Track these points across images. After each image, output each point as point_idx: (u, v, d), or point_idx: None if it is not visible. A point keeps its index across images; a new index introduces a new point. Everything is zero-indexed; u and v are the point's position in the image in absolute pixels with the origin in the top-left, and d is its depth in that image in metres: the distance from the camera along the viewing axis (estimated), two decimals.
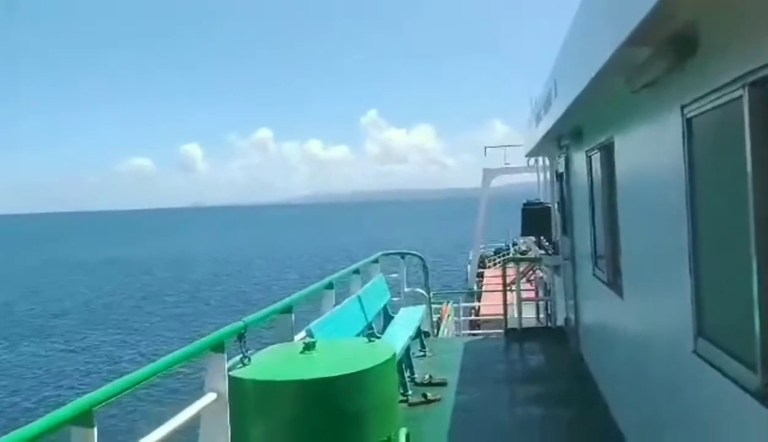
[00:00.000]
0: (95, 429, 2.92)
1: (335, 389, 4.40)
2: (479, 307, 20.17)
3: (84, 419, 2.88)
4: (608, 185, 5.88)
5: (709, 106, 3.00)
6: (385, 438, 4.58)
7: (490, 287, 24.04)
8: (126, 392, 3.26)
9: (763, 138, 2.49)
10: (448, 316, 14.35)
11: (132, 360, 25.93)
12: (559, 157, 9.15)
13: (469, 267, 32.68)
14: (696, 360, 3.31)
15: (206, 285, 50.73)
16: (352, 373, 4.46)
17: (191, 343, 4.25)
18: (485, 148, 28.61)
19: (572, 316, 8.68)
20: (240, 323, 4.69)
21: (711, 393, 3.16)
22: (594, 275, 6.74)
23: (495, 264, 35.31)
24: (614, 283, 5.79)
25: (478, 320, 17.71)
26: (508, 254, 37.74)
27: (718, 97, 2.87)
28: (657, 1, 2.45)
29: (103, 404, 3.01)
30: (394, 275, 10.30)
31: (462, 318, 15.55)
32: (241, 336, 4.66)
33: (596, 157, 6.26)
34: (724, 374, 2.94)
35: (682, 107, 3.35)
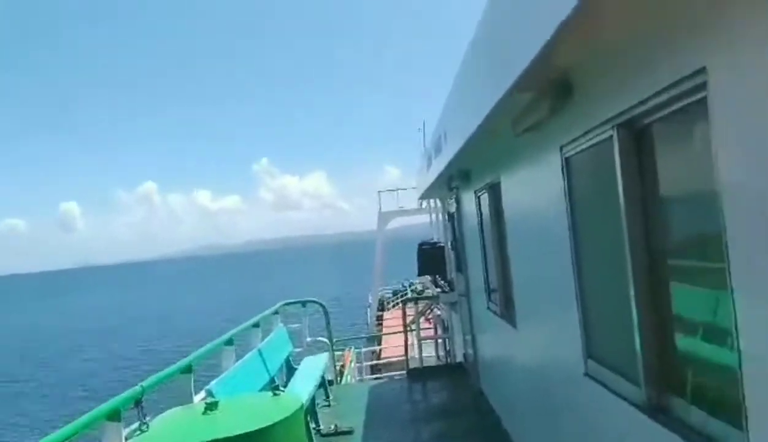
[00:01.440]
0: None
1: None
2: (380, 350, 20.18)
3: None
4: (497, 222, 6.18)
5: (584, 146, 3.27)
6: None
7: (390, 329, 24.22)
8: None
9: (632, 173, 2.75)
10: (351, 362, 14.26)
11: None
12: (450, 198, 9.50)
13: (369, 310, 32.72)
14: (587, 381, 3.52)
15: (95, 349, 47.41)
16: (258, 429, 4.34)
17: (84, 413, 3.97)
18: (379, 192, 29.17)
19: (471, 351, 8.91)
20: (137, 388, 4.45)
21: (603, 410, 3.36)
22: (488, 308, 7.00)
23: (394, 306, 35.65)
24: (507, 314, 6.04)
25: (380, 363, 17.72)
26: (406, 294, 38.28)
27: (592, 138, 3.14)
28: (537, 52, 2.65)
29: None
30: (295, 325, 10.15)
31: (365, 363, 15.50)
32: (138, 402, 4.42)
33: (484, 196, 6.57)
34: (613, 392, 3.15)
35: (561, 147, 3.62)
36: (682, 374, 2.54)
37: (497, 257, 6.21)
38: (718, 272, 2.02)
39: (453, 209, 9.33)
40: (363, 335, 21.17)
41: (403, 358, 15.35)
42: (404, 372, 10.86)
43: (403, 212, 28.27)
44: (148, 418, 4.45)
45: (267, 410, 4.73)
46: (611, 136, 2.87)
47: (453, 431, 7.47)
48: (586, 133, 3.20)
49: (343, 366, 13.79)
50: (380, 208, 28.59)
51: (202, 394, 5.69)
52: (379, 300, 33.43)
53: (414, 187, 27.37)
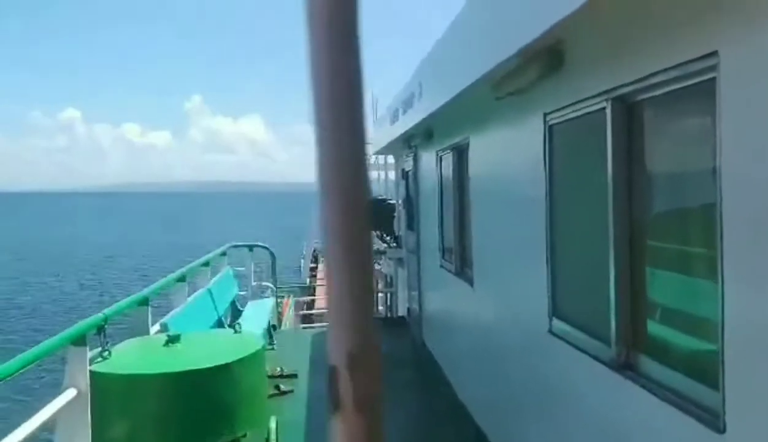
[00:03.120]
0: None
1: (205, 381, 4.35)
2: (313, 301, 20.38)
3: None
4: (459, 183, 6.35)
5: (572, 115, 3.43)
6: (257, 428, 4.61)
7: (324, 281, 24.37)
8: (3, 380, 3.00)
9: (623, 144, 2.93)
10: (289, 309, 14.40)
11: None
12: (407, 156, 9.62)
13: (302, 261, 32.79)
14: (551, 338, 3.76)
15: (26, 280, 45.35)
16: (222, 364, 4.43)
17: (50, 337, 3.94)
18: None
19: (415, 306, 9.18)
20: (100, 315, 4.43)
21: (566, 366, 3.61)
22: (441, 266, 7.22)
23: None
24: (463, 273, 6.28)
25: (313, 313, 17.96)
26: None
27: (582, 108, 3.29)
28: (548, 27, 2.76)
29: None
30: (239, 268, 10.16)
31: (299, 312, 15.67)
32: (101, 329, 4.41)
33: (448, 156, 6.72)
34: (579, 349, 3.38)
35: (545, 114, 3.77)
36: (654, 334, 2.78)
37: (457, 216, 6.40)
38: (704, 240, 2.22)
39: (409, 167, 9.46)
40: (300, 284, 21.30)
41: None
42: None
43: None
44: (108, 345, 4.46)
45: (229, 347, 4.81)
46: (604, 108, 3.03)
47: (396, 380, 7.74)
48: (575, 103, 3.35)
49: (281, 313, 13.91)
50: None
51: (157, 327, 5.71)
52: (314, 252, 33.56)
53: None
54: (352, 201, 0.53)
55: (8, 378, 3.29)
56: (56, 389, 4.03)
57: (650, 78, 2.60)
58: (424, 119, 5.99)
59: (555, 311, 3.76)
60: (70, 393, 3.92)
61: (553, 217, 3.76)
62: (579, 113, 3.34)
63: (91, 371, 4.10)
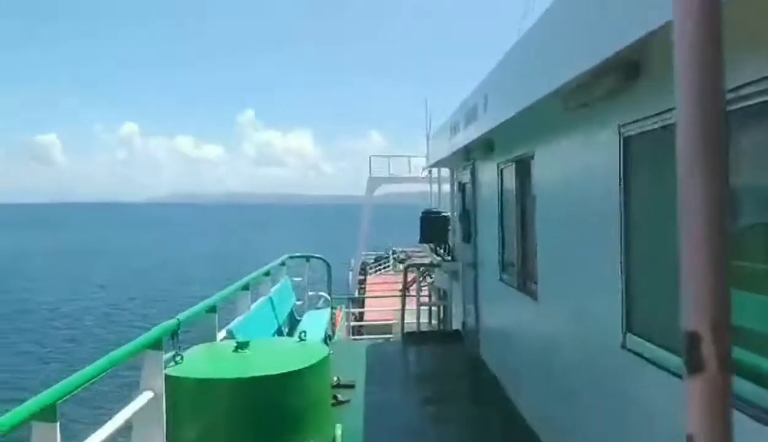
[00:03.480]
0: (58, 424, 2.79)
1: (274, 388, 4.43)
2: (362, 313, 20.46)
3: (48, 414, 2.74)
4: (522, 196, 6.31)
5: (650, 127, 3.38)
6: (322, 435, 4.66)
7: (373, 293, 24.54)
8: (85, 384, 3.13)
9: None
10: (342, 320, 14.51)
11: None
12: (464, 169, 9.61)
13: (350, 274, 32.97)
14: (625, 354, 3.69)
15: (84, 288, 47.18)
16: (290, 371, 4.50)
17: (129, 342, 4.08)
18: (370, 157, 29.17)
19: (471, 319, 9.13)
20: (174, 321, 4.56)
21: (642, 383, 3.53)
22: (501, 279, 7.17)
23: (376, 271, 35.96)
24: (525, 287, 6.21)
25: (362, 325, 18.03)
26: (388, 261, 38.62)
27: (661, 120, 3.24)
28: (631, 42, 2.74)
29: (66, 397, 2.88)
30: (296, 279, 10.31)
31: (350, 323, 15.76)
32: (174, 334, 4.54)
33: (509, 169, 6.68)
34: (657, 365, 3.31)
35: (620, 126, 3.73)
36: (741, 354, 2.70)
37: (519, 230, 6.35)
38: None
39: (466, 180, 9.44)
40: (349, 296, 21.40)
41: (388, 322, 15.60)
42: (390, 336, 11.13)
43: (393, 179, 28.34)
44: (180, 350, 4.59)
45: (296, 355, 4.89)
46: None
47: (454, 392, 7.71)
48: (654, 115, 3.30)
49: (334, 324, 14.03)
50: (370, 173, 28.62)
51: (223, 333, 5.86)
52: (361, 264, 33.69)
53: (408, 156, 27.41)
54: (712, 191, 0.64)
55: (94, 380, 3.42)
56: (127, 391, 4.18)
57: (739, 89, 2.56)
58: (487, 132, 5.99)
59: (630, 326, 3.69)
60: (146, 396, 4.05)
61: (629, 230, 3.70)
62: (657, 125, 3.29)
63: (166, 375, 4.22)
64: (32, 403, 2.73)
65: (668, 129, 3.19)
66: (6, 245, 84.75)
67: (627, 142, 3.69)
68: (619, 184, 3.75)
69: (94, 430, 3.39)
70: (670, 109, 3.11)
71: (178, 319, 4.64)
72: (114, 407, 3.89)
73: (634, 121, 3.56)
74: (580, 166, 4.55)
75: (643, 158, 3.58)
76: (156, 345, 4.21)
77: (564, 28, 3.76)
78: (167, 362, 4.42)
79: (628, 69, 3.44)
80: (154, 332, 4.24)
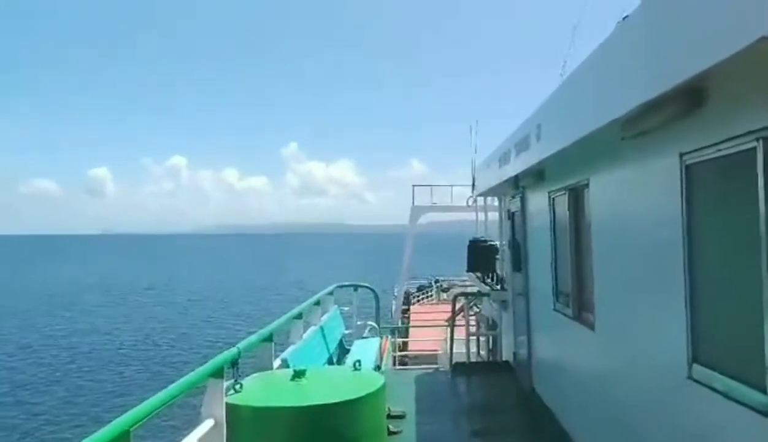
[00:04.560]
0: None
1: (331, 416, 4.46)
2: (406, 343, 20.34)
3: (122, 440, 2.83)
4: (576, 225, 6.25)
5: (714, 155, 3.33)
6: None
7: (417, 322, 24.42)
8: (155, 411, 3.22)
9: None
10: (388, 350, 14.46)
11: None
12: (512, 197, 9.57)
13: (394, 303, 32.89)
14: (691, 385, 3.59)
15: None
16: (347, 400, 4.53)
17: (191, 371, 4.18)
18: (413, 186, 29.27)
19: (523, 350, 9.00)
20: (234, 350, 4.66)
21: (710, 415, 3.43)
22: (555, 309, 7.07)
23: (419, 300, 35.80)
24: (580, 317, 6.12)
25: (407, 355, 17.90)
26: (431, 290, 38.42)
27: (725, 148, 3.20)
28: (699, 72, 2.72)
29: (139, 424, 2.97)
30: (344, 308, 10.38)
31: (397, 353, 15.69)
32: (234, 362, 4.63)
33: (562, 198, 6.63)
34: (727, 397, 3.22)
35: (681, 154, 3.69)
36: None
37: (573, 259, 6.27)
38: None
39: (515, 208, 9.40)
40: (393, 325, 21.34)
41: (434, 352, 15.46)
42: (436, 366, 11.03)
43: (435, 208, 28.33)
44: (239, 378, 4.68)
45: (352, 384, 4.92)
46: (754, 148, 2.93)
47: (508, 425, 7.59)
48: (719, 143, 3.26)
49: (381, 353, 14.01)
50: (413, 202, 28.67)
51: (279, 361, 5.94)
52: (405, 294, 33.56)
53: (450, 185, 27.42)
54: None
55: (163, 406, 3.51)
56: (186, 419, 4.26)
57: None
58: (541, 161, 5.99)
59: (696, 357, 3.60)
60: (208, 424, 4.13)
61: (692, 259, 3.63)
62: (723, 153, 3.24)
63: (226, 403, 4.30)
64: (108, 430, 2.82)
65: (732, 157, 3.15)
66: (57, 275, 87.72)
67: (689, 170, 3.64)
68: (681, 214, 3.69)
69: None
70: (736, 137, 3.08)
71: (238, 348, 4.73)
72: (178, 435, 3.98)
73: (696, 149, 3.52)
74: (638, 195, 4.49)
75: (705, 187, 3.52)
76: (218, 374, 4.30)
77: (622, 57, 3.76)
78: (227, 389, 4.50)
79: (692, 97, 3.39)
80: (216, 361, 4.34)
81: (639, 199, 4.49)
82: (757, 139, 2.90)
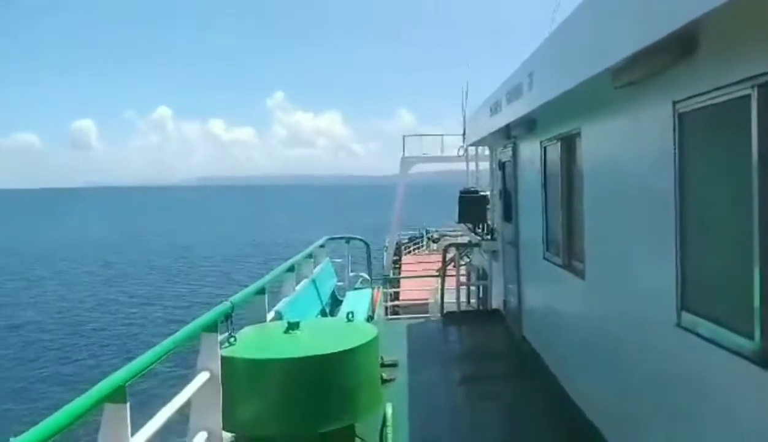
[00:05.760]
0: (128, 405, 2.90)
1: (326, 367, 4.50)
2: (398, 293, 20.58)
3: (118, 395, 2.85)
4: (568, 174, 6.24)
5: (707, 103, 3.30)
6: (373, 414, 4.74)
7: (409, 273, 24.67)
8: (151, 366, 3.24)
9: None
10: (380, 300, 14.61)
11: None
12: (504, 147, 9.53)
13: (385, 254, 33.08)
14: (680, 332, 3.65)
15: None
16: (342, 350, 4.57)
17: (186, 325, 4.20)
18: (404, 136, 29.05)
19: (513, 298, 9.11)
20: (228, 304, 4.66)
21: (699, 362, 3.50)
22: (545, 258, 7.13)
23: (411, 251, 36.05)
24: (570, 265, 6.17)
25: (398, 305, 18.14)
26: (422, 241, 38.66)
27: (719, 96, 3.17)
28: (701, 14, 2.66)
29: (134, 379, 2.99)
30: (337, 260, 10.42)
31: (388, 303, 15.87)
32: (228, 316, 4.64)
33: (554, 147, 6.61)
34: (715, 343, 3.27)
35: (674, 103, 3.65)
36: None
37: (564, 208, 6.29)
38: None
39: (507, 158, 9.37)
40: (384, 276, 21.52)
41: (425, 301, 15.64)
42: (427, 315, 11.18)
43: (426, 158, 28.22)
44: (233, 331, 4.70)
45: (346, 335, 4.95)
46: (748, 95, 2.90)
47: (499, 371, 7.74)
48: (712, 90, 3.23)
49: (373, 304, 14.16)
50: (404, 153, 28.51)
51: (272, 314, 5.97)
52: (396, 244, 33.76)
53: (441, 135, 27.31)
54: None
55: (158, 361, 3.53)
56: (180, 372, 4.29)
57: None
58: (534, 109, 5.93)
59: (685, 304, 3.65)
60: (203, 376, 4.15)
61: (684, 207, 3.64)
62: (716, 101, 3.21)
63: (221, 356, 4.33)
64: (104, 385, 2.83)
65: (726, 104, 3.12)
66: (50, 230, 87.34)
67: (682, 119, 3.62)
68: (674, 161, 3.69)
69: (158, 409, 3.51)
70: (730, 85, 3.04)
71: (231, 301, 4.74)
72: (174, 389, 4.02)
73: (689, 97, 3.48)
74: (631, 143, 4.47)
75: (698, 135, 3.51)
76: (212, 327, 4.31)
77: (615, 4, 3.69)
78: (222, 343, 4.53)
79: (684, 44, 3.34)
80: (209, 315, 4.34)
81: (631, 148, 4.47)
82: (752, 87, 2.87)
